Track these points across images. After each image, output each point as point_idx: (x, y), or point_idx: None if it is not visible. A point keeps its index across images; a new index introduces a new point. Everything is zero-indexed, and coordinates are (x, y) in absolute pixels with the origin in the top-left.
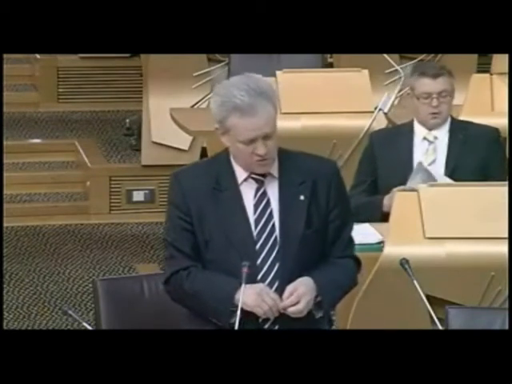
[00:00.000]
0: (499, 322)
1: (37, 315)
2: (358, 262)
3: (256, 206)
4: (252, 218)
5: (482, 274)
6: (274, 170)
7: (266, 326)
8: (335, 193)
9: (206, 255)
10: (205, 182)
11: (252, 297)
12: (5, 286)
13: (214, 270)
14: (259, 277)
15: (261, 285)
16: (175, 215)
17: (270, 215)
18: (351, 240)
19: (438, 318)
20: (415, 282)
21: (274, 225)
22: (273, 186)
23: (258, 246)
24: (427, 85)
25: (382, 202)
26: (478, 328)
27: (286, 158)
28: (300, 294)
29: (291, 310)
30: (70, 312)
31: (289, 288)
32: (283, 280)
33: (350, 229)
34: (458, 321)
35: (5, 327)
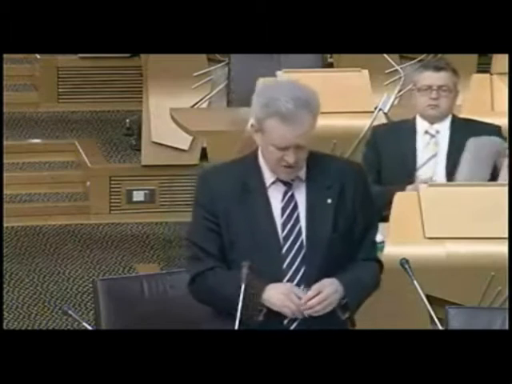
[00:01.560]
0: (499, 322)
1: (37, 315)
2: (381, 265)
3: (283, 210)
4: (279, 221)
5: (482, 274)
6: (302, 174)
7: (292, 327)
8: (361, 195)
9: (231, 255)
10: (233, 183)
11: (278, 296)
12: (5, 286)
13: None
14: (284, 281)
15: (287, 284)
16: (201, 215)
17: (297, 219)
18: (375, 242)
19: (438, 318)
20: (415, 282)
21: (300, 228)
22: (300, 190)
23: (284, 250)
24: (428, 77)
25: (393, 193)
26: (478, 328)
27: (313, 160)
28: (328, 294)
29: (316, 308)
30: (70, 312)
31: (315, 287)
32: (309, 284)
33: (375, 231)
34: (458, 321)
35: (5, 327)
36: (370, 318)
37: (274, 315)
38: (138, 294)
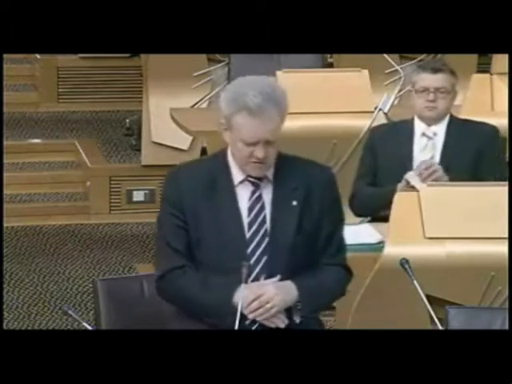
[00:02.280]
0: (499, 322)
1: (37, 315)
2: (348, 272)
3: (250, 209)
4: (246, 220)
5: (482, 274)
6: (270, 174)
7: (254, 328)
8: (328, 200)
9: (198, 254)
10: (201, 181)
11: (247, 300)
12: (5, 286)
13: (206, 269)
14: (249, 281)
15: (258, 287)
16: (169, 213)
17: (264, 219)
18: (342, 248)
19: (438, 318)
20: (415, 282)
21: (266, 229)
22: (268, 190)
23: (249, 250)
24: (425, 79)
25: (391, 192)
26: (478, 328)
27: (282, 162)
28: (269, 297)
29: (259, 311)
30: (70, 312)
31: (255, 290)
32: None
33: (341, 236)
34: (458, 321)
35: (5, 327)
36: (369, 317)
37: (243, 316)
38: (138, 294)
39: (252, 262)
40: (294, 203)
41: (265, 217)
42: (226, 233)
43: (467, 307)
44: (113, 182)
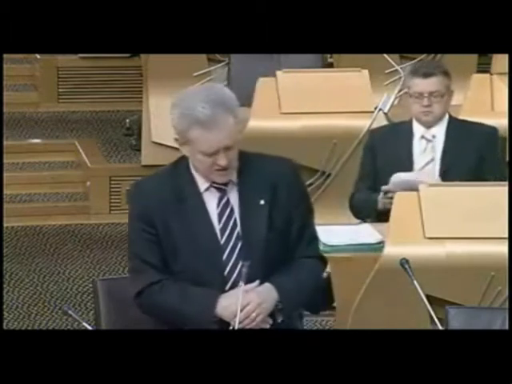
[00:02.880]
0: (499, 322)
1: (37, 315)
2: (323, 262)
3: (220, 216)
4: (217, 227)
5: (482, 274)
6: (234, 177)
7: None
8: (295, 192)
9: (175, 266)
10: (167, 192)
11: (232, 309)
12: (5, 286)
13: (184, 280)
14: (227, 287)
15: (239, 295)
16: (139, 228)
17: (235, 224)
18: (315, 239)
19: (438, 318)
20: (415, 282)
21: (238, 233)
22: (234, 194)
23: (225, 256)
24: (418, 84)
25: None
26: (478, 328)
27: (245, 162)
28: (254, 306)
29: (245, 322)
30: (70, 312)
31: (241, 303)
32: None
33: (312, 227)
34: (458, 321)
35: (5, 327)
36: (369, 317)
37: (225, 323)
38: None
39: (228, 268)
40: (262, 202)
41: (235, 221)
42: (200, 242)
43: (467, 307)
44: (113, 182)
